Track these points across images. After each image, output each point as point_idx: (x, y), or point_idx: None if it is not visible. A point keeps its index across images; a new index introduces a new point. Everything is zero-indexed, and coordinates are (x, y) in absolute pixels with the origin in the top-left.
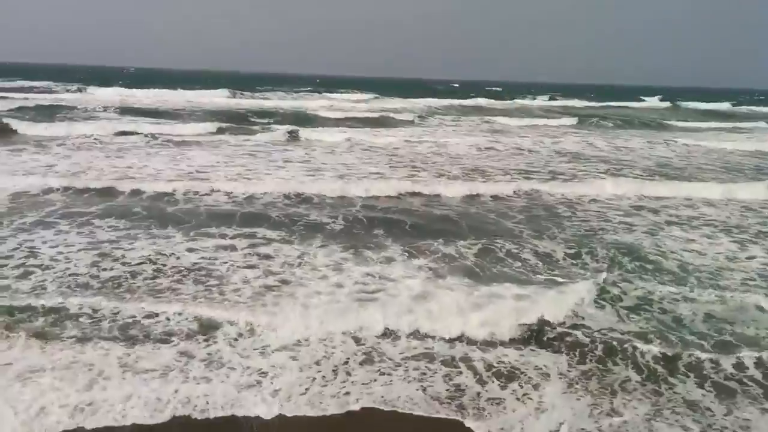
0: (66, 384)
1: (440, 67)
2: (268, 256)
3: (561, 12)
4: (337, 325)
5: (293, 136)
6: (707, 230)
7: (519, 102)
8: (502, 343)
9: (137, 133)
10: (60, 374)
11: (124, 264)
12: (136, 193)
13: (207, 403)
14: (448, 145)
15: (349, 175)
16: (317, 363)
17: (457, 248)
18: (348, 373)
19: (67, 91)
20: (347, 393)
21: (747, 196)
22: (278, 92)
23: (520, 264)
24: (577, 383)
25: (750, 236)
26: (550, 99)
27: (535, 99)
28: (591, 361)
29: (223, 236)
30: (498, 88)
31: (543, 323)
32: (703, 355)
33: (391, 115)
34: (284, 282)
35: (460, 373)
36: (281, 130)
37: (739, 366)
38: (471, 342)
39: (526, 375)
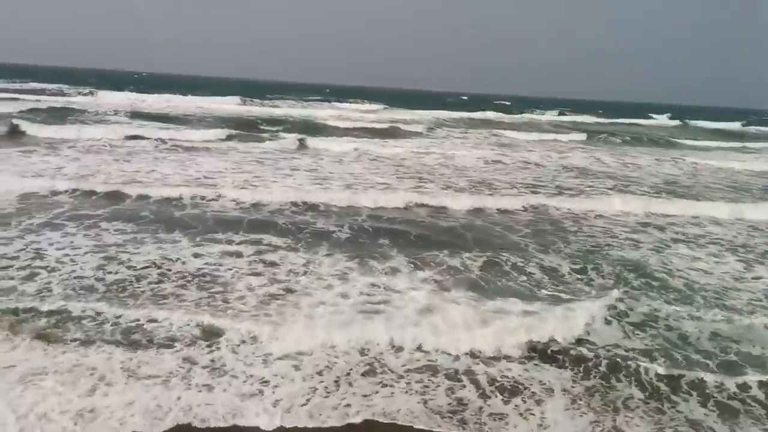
0: (68, 389)
1: (450, 79)
2: (273, 264)
3: (571, 29)
4: (341, 337)
5: (301, 145)
6: (713, 249)
7: (528, 116)
8: (506, 358)
9: (146, 138)
10: (62, 378)
11: (129, 267)
12: (143, 197)
13: (208, 412)
14: (456, 157)
15: (356, 184)
16: (319, 373)
17: (463, 260)
18: (350, 384)
19: (79, 94)
20: (348, 405)
21: (753, 216)
22: (288, 100)
23: (525, 278)
24: (580, 399)
25: (756, 256)
26: (560, 114)
27: (544, 114)
28: (595, 377)
29: (230, 242)
30: (507, 102)
31: (550, 341)
32: (708, 375)
33: (400, 126)
34: (289, 290)
35: (463, 386)
36: (290, 139)
37: (744, 387)
38: (475, 356)
39: (529, 390)
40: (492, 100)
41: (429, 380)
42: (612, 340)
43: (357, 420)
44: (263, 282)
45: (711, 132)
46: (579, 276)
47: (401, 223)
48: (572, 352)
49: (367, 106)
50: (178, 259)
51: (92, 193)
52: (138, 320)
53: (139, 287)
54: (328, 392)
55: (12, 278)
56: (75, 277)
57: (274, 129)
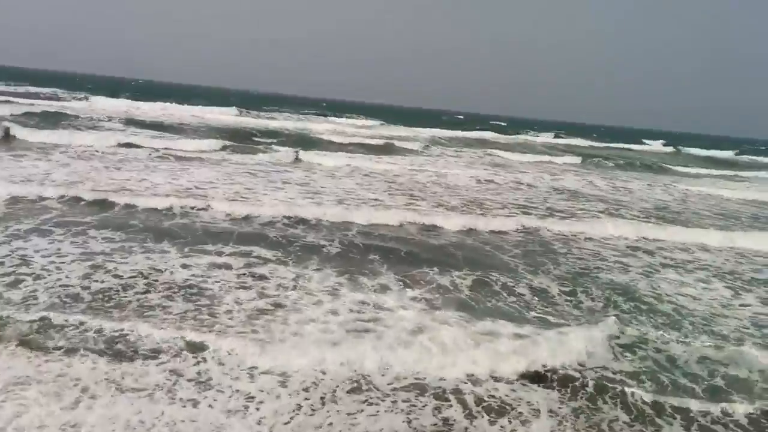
0: (51, 400)
1: (447, 97)
2: (263, 277)
3: (569, 53)
4: (329, 355)
5: (295, 158)
6: (702, 275)
7: (523, 137)
8: (495, 378)
9: (139, 146)
10: (46, 389)
11: (116, 277)
12: (132, 206)
13: (191, 428)
14: (448, 176)
15: (348, 200)
16: (306, 389)
17: (453, 279)
18: (335, 402)
19: (74, 99)
20: (330, 424)
21: (742, 244)
22: (284, 113)
23: (515, 299)
24: (566, 421)
25: (743, 283)
26: (555, 137)
27: (538, 136)
28: (582, 398)
29: (219, 253)
30: (503, 123)
31: (542, 366)
32: (693, 401)
33: (395, 142)
34: (278, 305)
35: (450, 406)
36: (283, 151)
37: (727, 413)
38: (465, 377)
39: (516, 410)
40: (488, 119)
41: (416, 399)
42: (600, 362)
43: None
44: (252, 296)
45: (703, 159)
46: (568, 298)
47: (391, 240)
48: (560, 372)
49: (363, 121)
50: (166, 269)
51: (81, 200)
52: (123, 331)
53: (125, 297)
54: (314, 410)
55: None
56: (61, 285)
57: (269, 141)
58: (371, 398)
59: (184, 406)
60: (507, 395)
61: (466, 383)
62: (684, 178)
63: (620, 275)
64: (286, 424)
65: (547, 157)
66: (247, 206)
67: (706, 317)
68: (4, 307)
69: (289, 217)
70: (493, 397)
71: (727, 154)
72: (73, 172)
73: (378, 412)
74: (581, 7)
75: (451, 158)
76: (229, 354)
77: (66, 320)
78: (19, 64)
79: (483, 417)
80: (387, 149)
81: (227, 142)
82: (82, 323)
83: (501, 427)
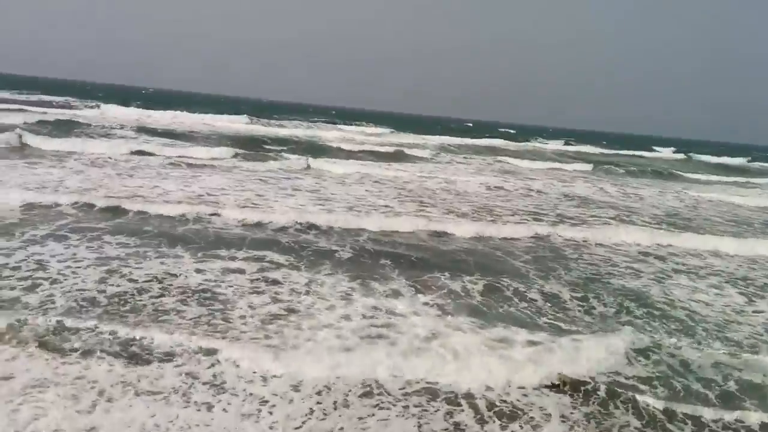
0: (69, 403)
1: (455, 105)
2: (276, 282)
3: (579, 60)
4: (342, 360)
5: (305, 165)
6: (714, 280)
7: (533, 144)
8: (511, 387)
9: (151, 154)
10: (64, 391)
11: (131, 281)
12: (145, 212)
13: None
14: (458, 182)
15: (358, 206)
16: (318, 393)
17: (464, 284)
18: (346, 407)
19: (86, 107)
20: (341, 428)
21: (753, 251)
22: (294, 121)
23: (527, 304)
24: (578, 426)
25: (756, 289)
26: (566, 144)
27: (547, 143)
28: (593, 403)
29: (233, 258)
30: (512, 130)
31: (558, 376)
32: (706, 408)
33: (404, 149)
34: (291, 311)
35: (462, 411)
36: (294, 159)
37: (740, 420)
38: (478, 384)
39: (528, 415)
40: (496, 127)
41: (428, 404)
42: (613, 367)
43: None
44: (265, 300)
45: (714, 166)
46: (580, 304)
47: (402, 246)
48: (572, 377)
49: (372, 129)
50: (181, 274)
51: (95, 207)
52: (138, 334)
53: (141, 301)
54: (326, 414)
55: (14, 288)
56: (77, 289)
57: (279, 149)
58: (383, 402)
59: (199, 410)
60: (518, 400)
61: (479, 389)
62: (695, 184)
63: (632, 281)
64: (297, 429)
65: (557, 164)
66: (259, 212)
67: (719, 323)
68: (22, 309)
69: (300, 223)
70: (504, 402)
71: (739, 160)
72: (86, 179)
73: (389, 416)
74: (588, 10)
75: (461, 165)
76: (243, 359)
77: (83, 323)
78: (31, 73)
79: (494, 422)
80: (397, 156)
81: (238, 150)
82: (98, 326)
83: (512, 431)
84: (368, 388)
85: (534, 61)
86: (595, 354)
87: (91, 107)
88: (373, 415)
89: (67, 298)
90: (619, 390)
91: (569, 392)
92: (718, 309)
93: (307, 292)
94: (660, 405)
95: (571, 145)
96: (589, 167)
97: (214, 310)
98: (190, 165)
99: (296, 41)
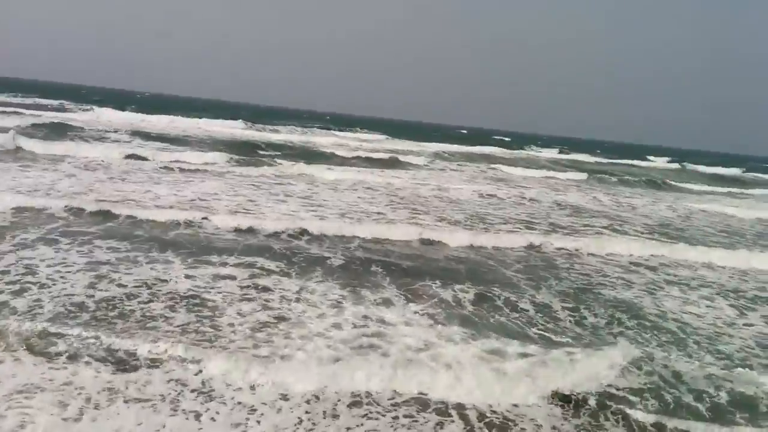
0: (55, 410)
1: (449, 112)
2: (266, 288)
3: (574, 68)
4: (332, 371)
5: (298, 171)
6: (705, 292)
7: (527, 153)
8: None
9: (144, 158)
10: (50, 398)
11: (120, 286)
12: (137, 216)
13: None
14: (451, 190)
15: (350, 213)
16: (307, 402)
17: (455, 294)
18: (335, 417)
19: (81, 110)
20: None
21: (745, 262)
22: (289, 126)
23: (518, 315)
24: (556, 425)
25: (747, 302)
26: (560, 152)
27: (541, 151)
28: (584, 415)
29: (223, 264)
30: (506, 138)
31: (552, 391)
32: (697, 423)
33: (399, 156)
34: (281, 318)
35: (452, 422)
36: (287, 164)
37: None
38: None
39: (518, 426)
40: (491, 134)
41: (418, 415)
42: (605, 379)
43: None
44: (255, 308)
45: (708, 176)
46: (572, 314)
47: (393, 253)
48: (565, 391)
49: (367, 135)
50: (170, 279)
51: (86, 210)
52: (126, 340)
53: (129, 306)
54: (314, 424)
55: (1, 292)
56: (65, 294)
57: (274, 154)
58: (371, 413)
59: (187, 419)
60: (509, 411)
61: (470, 402)
62: (688, 194)
63: (623, 292)
64: None
65: (551, 173)
66: (251, 218)
67: (710, 336)
68: (10, 314)
69: (292, 230)
70: (495, 413)
71: (734, 171)
72: (78, 183)
73: (378, 427)
74: (586, 19)
75: (455, 172)
76: (231, 370)
77: (70, 329)
78: (27, 76)
79: (474, 420)
80: (391, 163)
81: (233, 155)
82: (86, 332)
83: None
84: (358, 398)
85: (530, 68)
86: (589, 367)
87: (86, 111)
88: (362, 425)
89: (55, 303)
90: (611, 403)
91: (561, 405)
92: (710, 321)
93: (298, 300)
94: (651, 419)
95: (566, 153)
96: (583, 176)
97: (202, 317)
98: (183, 170)
99: (294, 48)
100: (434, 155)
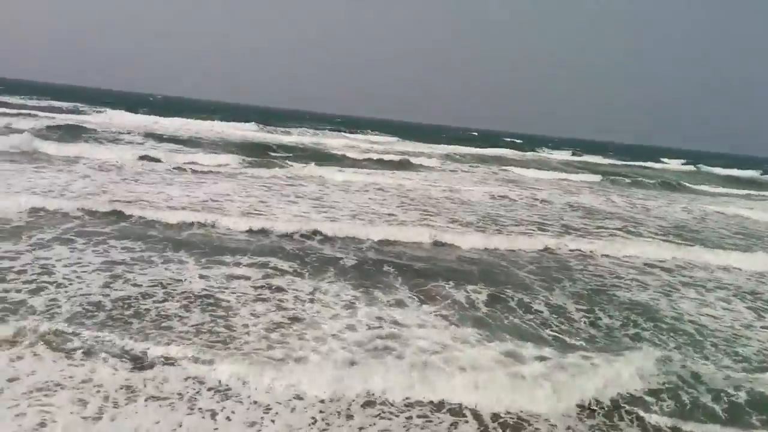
0: (75, 408)
1: (460, 114)
2: (280, 289)
3: (587, 71)
4: (347, 373)
5: (309, 172)
6: (722, 294)
7: (539, 155)
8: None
9: (157, 160)
10: (70, 396)
11: (135, 286)
12: (151, 217)
13: None
14: (462, 191)
15: (361, 214)
16: (322, 401)
17: (468, 295)
18: (348, 417)
19: (94, 113)
20: None
21: (762, 264)
22: (301, 128)
23: (532, 316)
24: None
25: (764, 303)
26: (573, 154)
27: (552, 153)
28: (599, 415)
29: (237, 264)
30: (518, 140)
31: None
32: (715, 426)
33: (411, 158)
34: (295, 319)
35: (466, 422)
36: (299, 166)
37: None
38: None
39: (532, 426)
40: (502, 136)
41: (431, 414)
42: (620, 380)
43: None
44: (269, 308)
45: (724, 179)
46: (587, 316)
47: (405, 255)
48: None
49: (378, 137)
50: (185, 279)
51: (100, 211)
52: (141, 343)
53: (144, 305)
54: (328, 424)
55: (19, 291)
56: (82, 294)
57: (285, 156)
58: (384, 413)
59: (203, 417)
60: (522, 411)
61: (487, 407)
62: (703, 196)
63: (639, 294)
64: None
65: (564, 175)
66: (263, 219)
67: (728, 339)
68: (27, 312)
69: (304, 231)
70: (509, 413)
71: (750, 173)
72: (93, 184)
73: (391, 427)
74: (593, 20)
75: (466, 174)
76: (247, 374)
77: (87, 328)
78: (41, 79)
79: (494, 428)
80: (402, 165)
81: (244, 157)
82: (102, 330)
83: None
84: (371, 399)
85: (544, 70)
86: (611, 373)
87: (99, 113)
88: (375, 425)
89: (72, 302)
90: (625, 403)
91: (581, 409)
92: (727, 324)
93: (312, 300)
94: (669, 422)
95: (578, 155)
96: (596, 178)
97: (217, 317)
98: (196, 171)
99: (305, 50)
100: (445, 157)
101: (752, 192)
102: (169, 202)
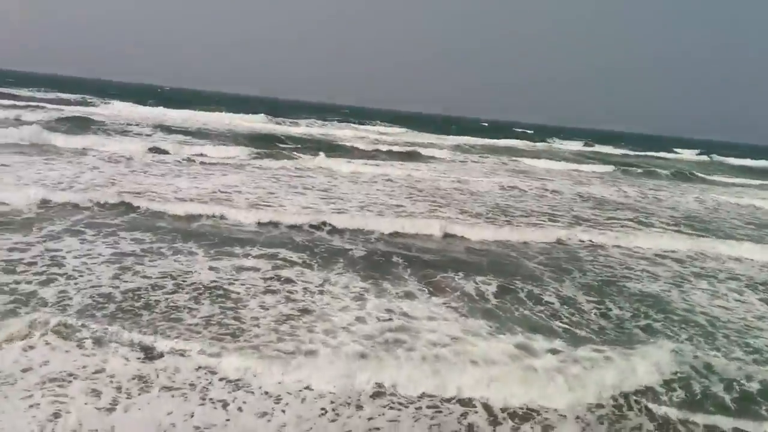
0: (89, 399)
1: (469, 104)
2: (289, 280)
3: (599, 57)
4: (358, 365)
5: (318, 164)
6: (734, 285)
7: (551, 145)
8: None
9: (166, 152)
10: (82, 386)
11: (145, 277)
12: (160, 209)
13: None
14: (472, 182)
15: (370, 205)
16: (331, 392)
17: (478, 287)
18: (358, 407)
19: (103, 104)
20: (349, 430)
21: None
22: (309, 119)
23: (543, 308)
24: (591, 427)
25: None
26: (585, 145)
27: (563, 143)
28: (608, 405)
29: (246, 256)
30: (529, 130)
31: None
32: (725, 418)
33: (421, 150)
34: (305, 311)
35: (476, 412)
36: (307, 157)
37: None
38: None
39: (541, 416)
40: (512, 127)
41: (441, 405)
42: (630, 370)
43: None
44: (279, 300)
45: (737, 168)
46: (597, 307)
47: (414, 246)
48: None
49: (387, 128)
50: (194, 271)
51: (110, 202)
52: (150, 336)
53: (154, 297)
54: (338, 414)
55: (30, 282)
56: (92, 285)
57: (294, 147)
58: (393, 403)
59: (215, 408)
60: (532, 400)
61: (499, 399)
62: (716, 186)
63: (650, 285)
64: (309, 430)
65: (574, 165)
66: (272, 211)
67: (740, 330)
68: (39, 303)
69: (313, 222)
70: (522, 407)
71: (763, 163)
72: (102, 176)
73: (400, 417)
74: (607, 9)
75: (477, 165)
76: (256, 367)
77: (98, 319)
78: (50, 71)
79: (507, 423)
80: (412, 156)
81: (253, 148)
82: (114, 322)
83: None
84: (382, 389)
85: (554, 59)
86: (624, 365)
87: (108, 105)
88: (384, 415)
89: (82, 294)
90: (633, 393)
91: (596, 405)
92: (740, 315)
93: (321, 292)
94: (681, 415)
95: (590, 146)
96: (608, 168)
97: (226, 309)
98: (205, 163)
99: (314, 40)
100: (455, 147)
101: (766, 182)
102: (178, 193)
